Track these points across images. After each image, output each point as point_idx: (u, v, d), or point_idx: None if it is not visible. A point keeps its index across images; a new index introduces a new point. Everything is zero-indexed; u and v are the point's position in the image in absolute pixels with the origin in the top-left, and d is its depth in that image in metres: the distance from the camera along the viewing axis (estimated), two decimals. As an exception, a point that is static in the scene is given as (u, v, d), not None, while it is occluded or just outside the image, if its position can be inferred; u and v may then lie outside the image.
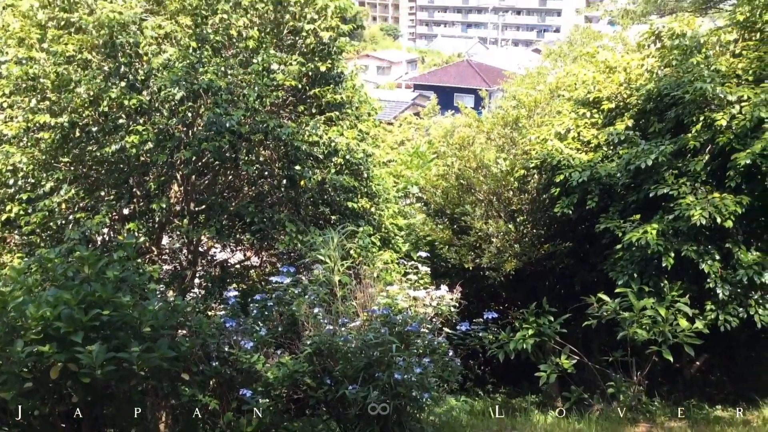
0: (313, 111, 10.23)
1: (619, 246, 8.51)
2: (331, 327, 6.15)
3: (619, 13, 22.48)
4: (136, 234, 9.00)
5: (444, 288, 7.24)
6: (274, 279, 7.08)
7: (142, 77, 8.82)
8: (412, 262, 8.22)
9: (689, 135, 8.39)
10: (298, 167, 9.62)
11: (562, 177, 9.36)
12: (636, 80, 10.02)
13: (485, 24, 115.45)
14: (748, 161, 7.55)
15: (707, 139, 8.32)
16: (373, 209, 10.78)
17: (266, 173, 10.19)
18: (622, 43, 23.01)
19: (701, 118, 8.35)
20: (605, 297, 8.24)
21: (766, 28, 8.69)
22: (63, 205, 9.01)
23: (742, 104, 7.97)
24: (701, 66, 8.63)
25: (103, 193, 9.46)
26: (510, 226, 11.63)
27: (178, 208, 10.16)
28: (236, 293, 7.23)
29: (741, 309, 7.99)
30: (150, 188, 9.45)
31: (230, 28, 9.11)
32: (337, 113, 10.16)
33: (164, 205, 9.09)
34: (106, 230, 9.62)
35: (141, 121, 8.89)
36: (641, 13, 20.33)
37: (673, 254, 7.95)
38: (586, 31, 32.92)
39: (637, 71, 10.10)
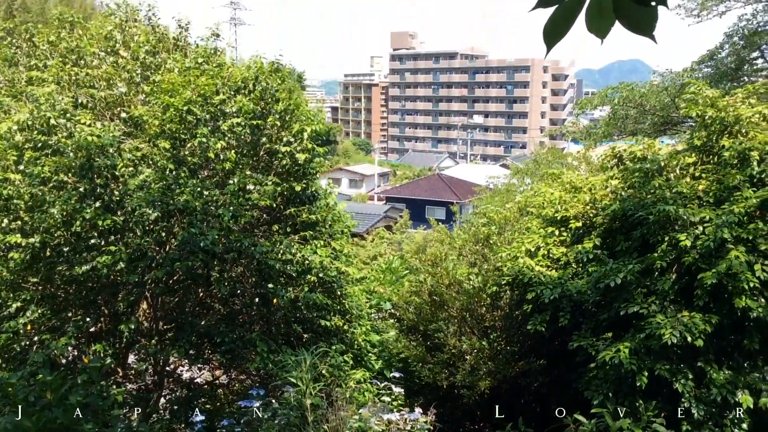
0: (288, 230, 10.34)
1: (593, 364, 8.48)
2: (302, 455, 5.97)
3: (582, 133, 23.52)
4: (101, 355, 8.78)
5: (418, 410, 7.12)
6: (242, 402, 6.92)
7: (118, 198, 8.90)
8: (386, 383, 8.10)
9: (655, 254, 8.59)
10: (271, 285, 9.61)
11: (534, 294, 9.43)
12: (601, 200, 10.35)
13: (455, 140, 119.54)
14: (714, 281, 7.72)
15: (673, 259, 8.51)
16: (346, 327, 10.71)
17: (238, 291, 10.14)
18: (585, 162, 23.98)
19: (666, 238, 8.58)
20: (581, 418, 8.12)
21: (722, 152, 9.11)
22: (29, 326, 8.80)
23: (705, 225, 8.23)
24: (663, 188, 8.98)
25: (70, 314, 9.29)
26: (483, 342, 11.57)
27: (146, 325, 10.00)
28: (202, 418, 7.03)
29: (717, 429, 7.91)
30: (118, 308, 9.32)
31: (208, 150, 9.33)
32: (311, 232, 10.28)
33: (132, 326, 8.93)
34: (71, 350, 9.38)
35: (113, 240, 8.88)
36: (603, 134, 21.26)
37: (646, 373, 7.93)
38: (551, 150, 34.21)
39: (602, 191, 10.45)
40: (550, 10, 2.27)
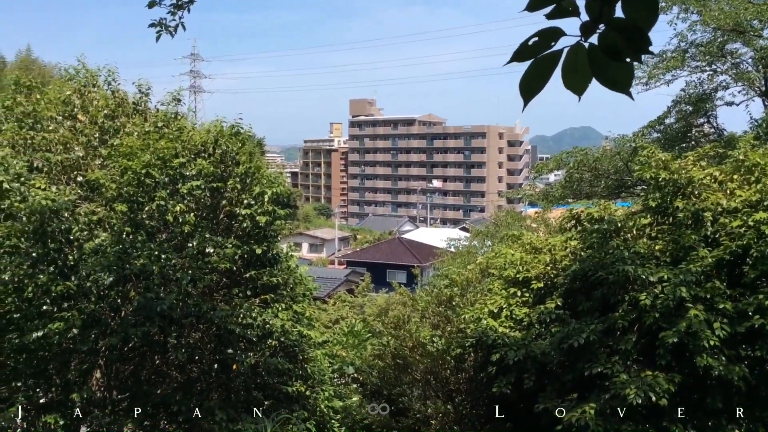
0: (248, 293, 10.16)
1: (559, 426, 8.38)
2: None
3: (538, 196, 23.98)
4: (52, 427, 8.36)
5: (384, 479, 6.89)
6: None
7: (72, 263, 8.65)
8: (350, 451, 7.87)
9: (617, 314, 8.65)
10: (230, 351, 9.37)
11: (498, 356, 9.36)
12: (561, 260, 10.45)
13: (414, 204, 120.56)
14: (675, 339, 7.78)
15: (634, 318, 8.58)
16: (308, 392, 10.45)
17: (196, 357, 9.84)
18: (544, 224, 24.37)
19: (626, 297, 8.66)
20: (550, 482, 7.97)
21: (677, 213, 9.34)
22: (-26, 398, 8.37)
23: (663, 285, 8.34)
24: (621, 248, 9.11)
25: (19, 383, 8.87)
26: (449, 406, 11.38)
27: (99, 395, 9.58)
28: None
29: (685, 489, 7.83)
30: (70, 377, 8.94)
31: (166, 213, 9.19)
32: (272, 295, 10.11)
33: (85, 395, 8.56)
34: (20, 422, 8.91)
35: (66, 306, 8.58)
36: (559, 197, 21.68)
37: (613, 434, 7.87)
38: (511, 213, 34.72)
39: (562, 252, 10.56)
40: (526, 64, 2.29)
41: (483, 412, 11.20)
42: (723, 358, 7.88)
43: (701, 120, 21.33)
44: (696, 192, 9.61)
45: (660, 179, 9.75)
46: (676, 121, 20.92)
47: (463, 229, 67.87)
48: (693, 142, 20.11)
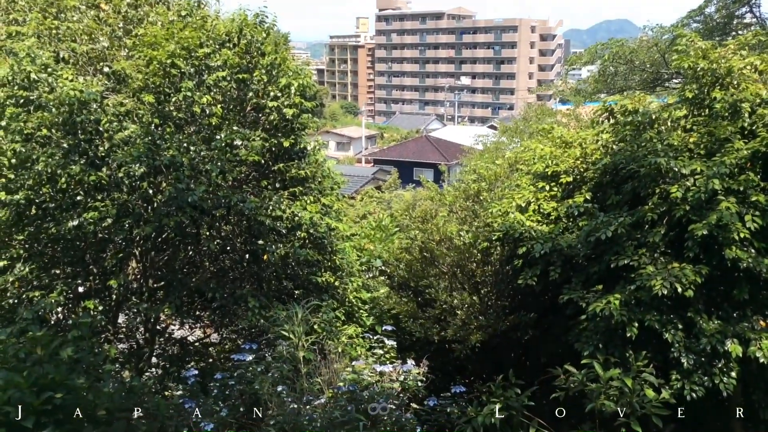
0: (277, 186, 10.23)
1: (583, 316, 8.52)
2: (296, 405, 5.97)
3: (571, 92, 23.42)
4: (92, 312, 8.72)
5: (410, 362, 7.13)
6: (235, 356, 6.90)
7: (103, 154, 8.74)
8: (378, 336, 8.12)
9: (646, 207, 8.58)
10: (261, 242, 9.54)
11: (524, 249, 9.42)
12: (592, 154, 10.29)
13: (442, 102, 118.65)
14: (705, 232, 7.73)
15: (664, 211, 8.51)
16: (337, 283, 10.68)
17: (228, 248, 10.07)
18: (575, 120, 23.92)
19: (657, 190, 8.56)
20: (572, 368, 8.17)
21: (714, 104, 9.05)
22: (16, 284, 8.71)
23: (696, 177, 8.21)
24: (654, 141, 8.93)
25: (58, 271, 9.19)
26: (474, 298, 11.60)
27: (135, 285, 9.92)
28: (196, 372, 7.01)
29: (706, 378, 7.99)
30: (107, 265, 9.23)
31: (193, 105, 9.14)
32: (301, 188, 10.17)
33: (122, 282, 8.86)
34: (60, 309, 9.31)
35: (99, 197, 8.75)
36: (592, 92, 21.15)
37: (636, 324, 7.98)
38: (541, 108, 34.05)
39: (593, 146, 10.38)
40: None
41: (508, 303, 11.42)
42: (752, 251, 7.85)
43: (743, 9, 20.31)
44: (735, 82, 9.27)
45: (698, 69, 9.40)
46: (716, 11, 19.99)
47: (492, 127, 66.99)
48: (734, 33, 19.24)
